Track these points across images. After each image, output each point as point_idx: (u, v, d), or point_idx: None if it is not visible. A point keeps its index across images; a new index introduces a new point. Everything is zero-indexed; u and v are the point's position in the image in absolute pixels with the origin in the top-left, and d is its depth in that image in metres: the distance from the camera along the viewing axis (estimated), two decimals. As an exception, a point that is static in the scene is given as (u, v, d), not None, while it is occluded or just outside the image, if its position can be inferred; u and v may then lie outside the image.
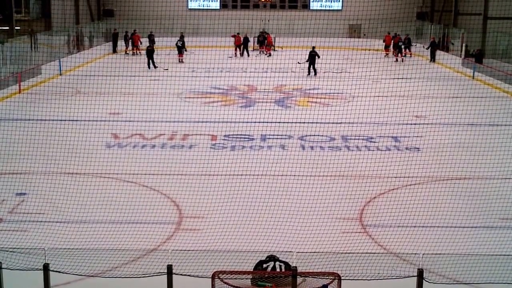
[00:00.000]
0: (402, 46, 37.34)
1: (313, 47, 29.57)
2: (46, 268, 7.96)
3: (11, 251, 8.61)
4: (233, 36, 38.65)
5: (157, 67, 31.82)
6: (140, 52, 38.01)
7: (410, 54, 38.00)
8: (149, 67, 32.19)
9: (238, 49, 38.79)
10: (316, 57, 29.60)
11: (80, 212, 11.83)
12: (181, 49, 35.64)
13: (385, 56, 38.30)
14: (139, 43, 38.14)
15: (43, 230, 10.71)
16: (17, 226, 11.35)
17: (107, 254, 9.15)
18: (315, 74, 29.56)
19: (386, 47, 38.79)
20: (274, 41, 40.06)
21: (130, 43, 39.10)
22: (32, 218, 11.62)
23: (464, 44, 35.36)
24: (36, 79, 27.09)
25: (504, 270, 8.72)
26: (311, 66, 29.85)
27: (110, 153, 16.10)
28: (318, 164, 15.25)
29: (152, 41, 37.50)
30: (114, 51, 39.19)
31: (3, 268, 8.08)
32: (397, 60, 36.88)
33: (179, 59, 35.23)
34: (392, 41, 38.33)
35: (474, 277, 8.54)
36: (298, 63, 30.01)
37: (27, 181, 13.48)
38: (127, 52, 38.77)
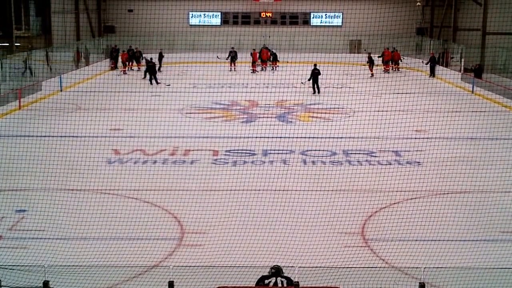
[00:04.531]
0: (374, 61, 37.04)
1: (315, 64, 29.54)
2: (46, 286, 7.92)
3: (10, 269, 8.57)
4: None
5: (159, 83, 31.92)
6: (132, 69, 38.19)
7: (372, 73, 36.49)
8: (151, 82, 32.29)
9: (254, 65, 38.69)
10: (318, 74, 29.56)
11: (80, 228, 11.77)
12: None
13: (384, 71, 38.37)
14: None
15: (43, 247, 10.67)
16: (17, 243, 11.31)
17: (108, 271, 9.10)
18: (319, 91, 29.49)
19: (386, 63, 38.89)
20: (272, 59, 39.87)
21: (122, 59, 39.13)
22: (32, 235, 11.57)
23: (462, 59, 35.49)
24: (36, 95, 27.11)
25: (505, 283, 8.69)
26: (315, 84, 29.69)
27: (111, 169, 16.09)
28: (319, 179, 15.24)
29: (131, 57, 37.85)
30: (115, 67, 39.28)
31: (3, 286, 8.04)
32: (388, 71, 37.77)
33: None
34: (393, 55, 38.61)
35: (477, 291, 8.50)
36: (302, 83, 30.01)
37: (27, 198, 13.47)
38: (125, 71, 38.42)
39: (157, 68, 37.49)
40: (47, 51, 32.76)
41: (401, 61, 39.04)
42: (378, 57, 38.45)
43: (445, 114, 22.91)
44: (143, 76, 34.08)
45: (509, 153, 17.00)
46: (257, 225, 11.53)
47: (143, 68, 36.47)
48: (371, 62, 36.80)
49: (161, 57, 38.55)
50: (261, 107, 25.60)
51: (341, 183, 14.64)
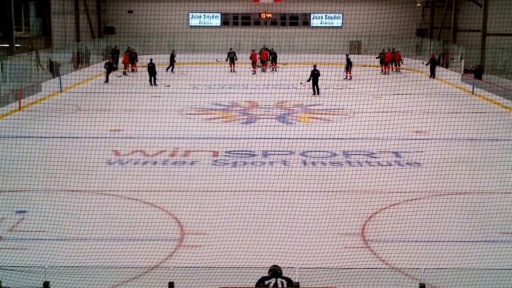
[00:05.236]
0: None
1: (315, 65, 29.52)
2: (46, 286, 7.94)
3: (11, 270, 8.58)
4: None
5: (157, 84, 31.97)
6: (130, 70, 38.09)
7: (350, 76, 35.41)
8: (151, 83, 32.31)
9: (254, 66, 38.65)
10: (318, 75, 29.53)
11: (81, 229, 11.78)
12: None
13: (384, 73, 38.34)
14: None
15: (43, 248, 10.68)
16: (17, 244, 11.31)
17: (108, 272, 9.11)
18: (318, 93, 29.47)
19: (386, 64, 38.85)
20: (273, 59, 39.85)
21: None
22: (32, 236, 11.58)
23: (462, 60, 35.52)
24: (36, 96, 27.13)
25: (505, 284, 8.69)
26: (315, 85, 29.65)
27: (111, 170, 16.10)
28: (319, 180, 15.24)
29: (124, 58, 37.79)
30: (116, 68, 39.22)
31: (3, 287, 8.05)
32: (387, 72, 37.82)
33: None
34: (394, 57, 38.61)
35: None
36: (301, 83, 30.01)
37: (27, 199, 13.48)
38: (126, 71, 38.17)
39: (170, 69, 37.73)
40: (37, 52, 32.65)
41: (402, 62, 38.98)
42: (376, 58, 38.44)
43: (445, 115, 22.90)
44: (105, 80, 33.29)
45: (509, 154, 17.02)
46: (257, 226, 11.54)
47: (141, 69, 36.49)
48: (349, 64, 35.53)
49: (172, 57, 38.46)
50: (261, 108, 25.61)
51: (341, 184, 14.66)
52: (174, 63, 38.36)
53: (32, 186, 14.09)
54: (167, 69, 37.67)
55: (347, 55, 36.03)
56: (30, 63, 30.41)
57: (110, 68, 33.90)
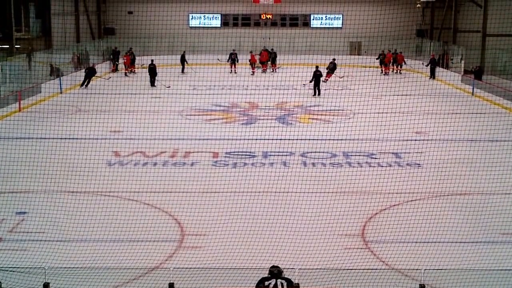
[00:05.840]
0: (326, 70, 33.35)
1: (317, 67, 29.51)
2: None
3: (11, 271, 8.58)
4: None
5: (155, 86, 31.97)
6: (133, 71, 38.04)
7: (326, 79, 32.80)
8: (151, 84, 32.31)
9: (253, 67, 38.65)
10: (320, 76, 29.51)
11: (81, 230, 11.78)
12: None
13: (384, 74, 38.32)
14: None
15: (43, 249, 10.68)
16: (17, 245, 11.31)
17: (108, 273, 9.11)
18: (319, 94, 29.47)
19: (385, 65, 38.83)
20: (272, 60, 39.83)
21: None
22: (32, 237, 11.58)
23: (462, 61, 35.53)
24: (36, 97, 27.14)
25: (505, 285, 8.69)
26: (316, 86, 29.63)
27: (111, 171, 16.10)
28: (320, 181, 15.24)
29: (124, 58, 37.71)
30: (116, 69, 39.21)
31: (4, 288, 8.06)
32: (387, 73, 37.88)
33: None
34: (395, 58, 38.59)
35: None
36: (303, 84, 30.02)
37: (27, 200, 13.47)
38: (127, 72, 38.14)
39: (180, 69, 37.78)
40: (30, 54, 32.54)
41: (404, 63, 38.82)
42: (376, 59, 38.43)
43: (445, 116, 22.91)
44: (83, 85, 32.13)
45: (509, 155, 17.02)
46: (257, 227, 11.53)
47: (141, 70, 36.49)
48: (333, 68, 33.61)
49: (183, 58, 38.42)
50: (261, 109, 25.62)
51: (341, 185, 14.65)
52: (186, 64, 38.41)
53: (32, 187, 14.08)
54: (182, 71, 37.91)
55: (333, 59, 33.86)
56: (27, 64, 30.39)
57: (92, 73, 33.37)
